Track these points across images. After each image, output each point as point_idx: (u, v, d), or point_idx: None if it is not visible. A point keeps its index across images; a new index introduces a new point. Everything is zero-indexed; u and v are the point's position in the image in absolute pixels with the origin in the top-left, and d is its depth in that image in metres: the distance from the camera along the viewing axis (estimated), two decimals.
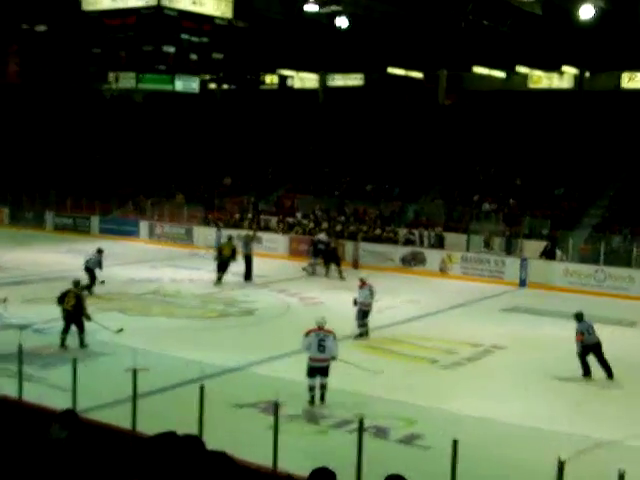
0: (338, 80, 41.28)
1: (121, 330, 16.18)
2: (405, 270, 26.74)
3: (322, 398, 12.58)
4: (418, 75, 38.66)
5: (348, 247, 27.88)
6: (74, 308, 15.30)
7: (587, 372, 14.44)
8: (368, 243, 28.00)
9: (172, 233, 32.88)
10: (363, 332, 16.91)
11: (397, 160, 33.64)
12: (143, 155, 40.41)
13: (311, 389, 12.53)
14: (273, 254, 28.39)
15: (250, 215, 32.24)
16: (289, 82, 43.61)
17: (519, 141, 32.42)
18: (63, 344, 15.34)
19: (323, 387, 12.60)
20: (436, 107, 37.56)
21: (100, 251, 21.79)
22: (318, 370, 12.56)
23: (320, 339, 12.63)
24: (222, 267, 23.40)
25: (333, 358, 12.77)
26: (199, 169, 37.59)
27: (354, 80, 40.88)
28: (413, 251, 27.20)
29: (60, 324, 15.42)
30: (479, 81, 37.24)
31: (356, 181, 33.24)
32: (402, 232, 28.54)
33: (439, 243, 27.63)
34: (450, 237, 27.72)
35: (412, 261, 27.00)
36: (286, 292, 22.39)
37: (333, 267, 25.38)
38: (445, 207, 29.83)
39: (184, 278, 24.14)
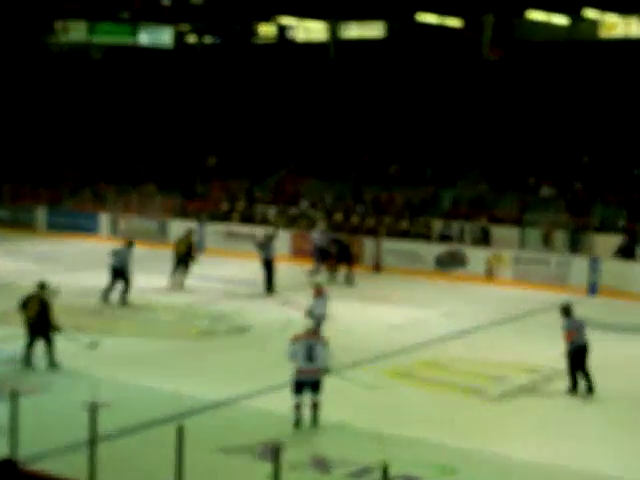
0: (353, 30, 41.26)
1: (96, 344, 16.27)
2: (441, 274, 26.76)
3: (315, 421, 12.80)
4: (456, 23, 38.55)
5: (367, 245, 27.87)
6: (38, 316, 15.47)
7: (574, 386, 14.90)
8: (393, 240, 28.02)
9: (141, 228, 32.89)
10: None
11: (429, 133, 33.59)
12: (103, 128, 40.47)
13: (297, 408, 12.75)
14: None
15: (242, 205, 32.25)
16: (290, 33, 43.60)
17: (587, 106, 32.30)
18: (28, 362, 15.45)
19: (315, 406, 12.81)
20: (479, 63, 37.45)
21: (131, 244, 21.91)
22: (307, 384, 12.78)
23: (309, 347, 12.88)
24: (177, 267, 24.09)
25: (326, 370, 13.00)
26: (175, 146, 37.64)
27: (373, 30, 40.84)
28: (451, 250, 27.20)
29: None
30: (535, 29, 37.11)
31: (377, 161, 33.20)
32: (436, 225, 28.53)
33: (484, 239, 27.60)
34: (498, 231, 27.71)
35: (450, 262, 27.00)
36: (288, 304, 22.38)
37: (343, 269, 25.41)
38: (491, 193, 29.76)
39: (158, 286, 24.21)
